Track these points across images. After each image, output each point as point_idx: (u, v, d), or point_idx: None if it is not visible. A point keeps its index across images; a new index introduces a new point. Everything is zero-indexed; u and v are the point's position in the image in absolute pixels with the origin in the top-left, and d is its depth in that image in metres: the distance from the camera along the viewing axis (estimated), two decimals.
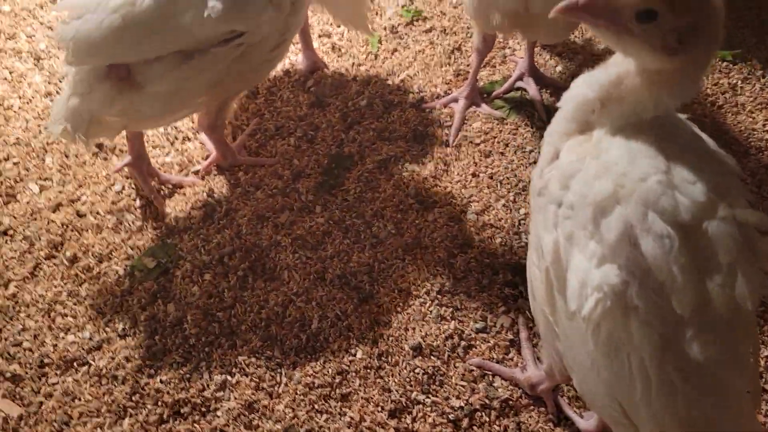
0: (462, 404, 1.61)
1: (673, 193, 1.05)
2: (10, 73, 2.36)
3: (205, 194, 2.05)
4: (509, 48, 2.45)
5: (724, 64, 2.39)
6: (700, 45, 1.04)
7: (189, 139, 2.22)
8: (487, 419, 1.59)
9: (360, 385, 1.65)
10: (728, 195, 1.08)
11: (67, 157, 2.14)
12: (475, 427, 1.59)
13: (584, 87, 1.18)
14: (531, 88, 2.26)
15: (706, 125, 2.19)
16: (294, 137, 2.20)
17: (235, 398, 1.64)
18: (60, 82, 2.34)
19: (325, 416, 1.62)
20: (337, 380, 1.66)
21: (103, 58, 1.67)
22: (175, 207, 2.03)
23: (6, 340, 1.75)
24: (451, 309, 1.77)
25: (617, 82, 1.14)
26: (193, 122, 2.22)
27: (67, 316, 1.80)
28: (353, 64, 2.44)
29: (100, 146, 2.16)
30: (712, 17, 1.03)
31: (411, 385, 1.64)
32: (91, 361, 1.71)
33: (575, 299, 1.08)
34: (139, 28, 1.59)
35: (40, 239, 1.93)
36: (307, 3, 1.89)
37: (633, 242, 1.04)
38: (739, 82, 2.33)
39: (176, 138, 2.22)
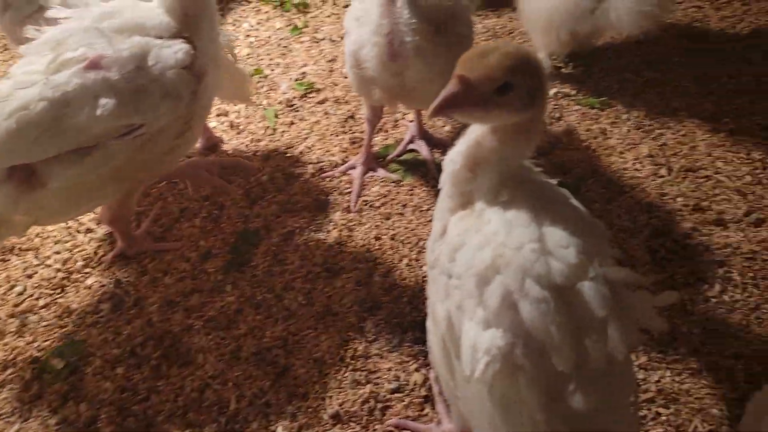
0: None
1: (546, 258, 1.15)
2: None
3: (112, 285, 2.03)
4: (400, 113, 2.58)
5: (593, 111, 2.60)
6: (542, 96, 1.21)
7: (91, 231, 2.20)
8: None
9: None
10: (598, 255, 1.20)
11: None
12: None
13: (452, 164, 1.29)
14: (423, 149, 2.39)
15: (584, 168, 2.38)
16: (199, 218, 2.22)
17: None
18: None
19: None
20: None
21: (1, 162, 1.66)
22: (81, 302, 2.00)
23: None
24: (365, 372, 1.82)
25: (477, 145, 1.26)
26: (95, 213, 2.21)
27: None
28: (252, 140, 2.51)
29: None
30: (545, 76, 1.20)
31: None
32: None
33: (468, 363, 1.15)
34: (34, 130, 1.61)
35: None
36: (212, 88, 1.91)
37: (513, 307, 1.13)
38: (608, 126, 2.55)
39: (78, 231, 2.20)
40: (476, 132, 1.27)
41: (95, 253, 2.13)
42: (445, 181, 1.33)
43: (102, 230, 2.19)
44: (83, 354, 1.86)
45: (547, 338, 1.10)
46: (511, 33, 2.95)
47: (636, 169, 2.39)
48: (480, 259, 1.18)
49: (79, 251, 2.14)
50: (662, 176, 2.37)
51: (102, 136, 1.68)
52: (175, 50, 1.72)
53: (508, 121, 1.20)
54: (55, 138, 1.64)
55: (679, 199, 2.28)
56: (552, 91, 2.65)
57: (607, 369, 1.13)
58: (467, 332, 1.17)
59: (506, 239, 1.18)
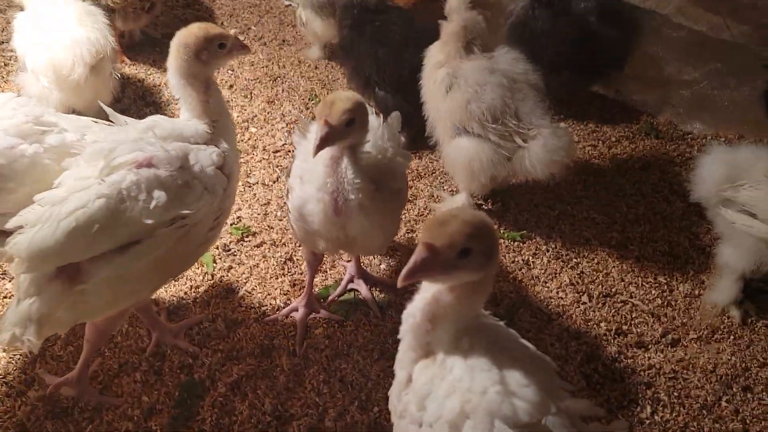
0: None
1: (511, 399, 1.24)
2: None
3: None
4: (339, 255, 2.68)
5: (515, 243, 2.81)
6: (495, 256, 1.34)
7: (22, 394, 2.09)
8: None
9: None
10: (553, 389, 1.31)
11: None
12: None
13: (411, 317, 1.39)
14: (362, 288, 2.48)
15: (514, 298, 2.54)
16: (140, 372, 2.16)
17: None
18: None
19: None
20: None
21: (58, 262, 1.70)
22: None
23: None
24: None
25: (435, 302, 1.37)
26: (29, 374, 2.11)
27: None
28: (191, 287, 2.50)
29: None
30: (496, 238, 1.34)
31: None
32: None
33: None
34: (93, 227, 1.67)
35: None
36: (235, 188, 2.10)
37: None
38: (530, 257, 2.75)
39: (7, 395, 2.08)
40: (432, 289, 1.38)
41: (29, 418, 2.01)
42: (405, 333, 1.41)
43: (34, 394, 2.07)
44: None
45: None
46: (433, 173, 3.17)
47: (560, 297, 2.57)
48: (449, 407, 1.26)
49: (9, 417, 2.01)
50: (584, 302, 2.56)
51: (151, 229, 1.76)
52: (210, 152, 1.93)
53: (467, 280, 1.32)
54: (112, 233, 1.72)
55: (602, 324, 2.47)
56: None
57: None
58: None
59: (471, 385, 1.27)
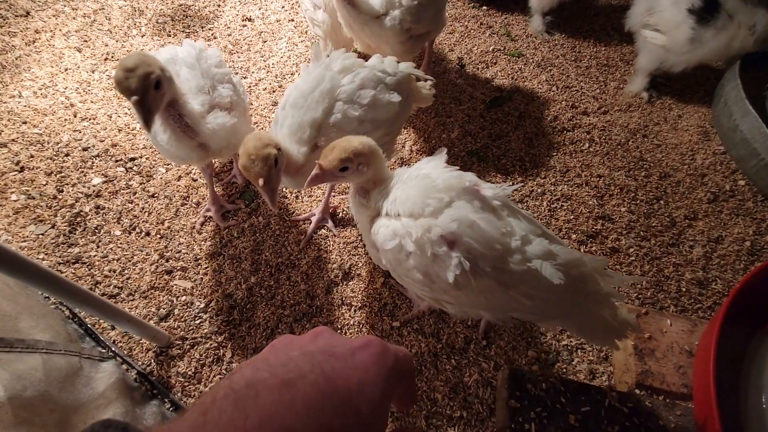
0: None
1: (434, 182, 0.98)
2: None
3: None
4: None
5: (513, 58, 2.40)
6: (372, 163, 1.00)
7: None
8: None
9: None
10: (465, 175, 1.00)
11: None
12: None
13: (353, 200, 1.08)
14: (329, 224, 1.68)
15: (512, 88, 2.23)
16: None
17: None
18: None
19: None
20: None
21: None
22: None
23: (171, 251, 1.60)
24: None
25: (359, 187, 1.05)
26: None
27: (202, 233, 1.65)
28: None
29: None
30: (368, 155, 0.99)
31: None
32: (223, 252, 1.59)
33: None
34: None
35: (174, 196, 1.75)
36: None
37: (449, 204, 0.94)
38: (522, 66, 2.36)
39: None
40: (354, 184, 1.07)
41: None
42: (356, 213, 1.09)
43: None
44: (253, 197, 1.76)
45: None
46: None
47: (539, 88, 2.26)
48: (413, 196, 0.97)
49: None
50: (553, 91, 2.25)
51: None
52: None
53: (357, 180, 1.03)
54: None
55: (563, 102, 2.19)
56: (490, 48, 2.44)
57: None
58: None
59: (408, 194, 0.98)
